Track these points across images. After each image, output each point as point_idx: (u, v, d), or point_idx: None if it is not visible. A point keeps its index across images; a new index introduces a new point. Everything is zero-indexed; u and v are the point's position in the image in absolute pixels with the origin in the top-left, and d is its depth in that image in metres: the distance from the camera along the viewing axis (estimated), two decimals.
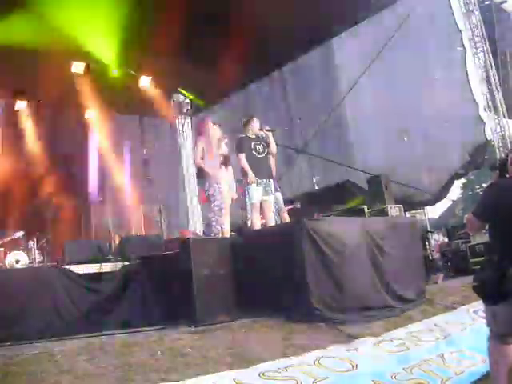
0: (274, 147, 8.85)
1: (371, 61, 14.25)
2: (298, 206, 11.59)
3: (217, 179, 7.85)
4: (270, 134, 8.84)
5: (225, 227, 8.26)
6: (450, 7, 13.73)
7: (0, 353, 4.78)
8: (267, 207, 8.51)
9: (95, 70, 15.80)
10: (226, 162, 8.67)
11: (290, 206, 11.02)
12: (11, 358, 4.54)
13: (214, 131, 8.36)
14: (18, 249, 10.92)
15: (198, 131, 8.10)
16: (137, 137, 19.26)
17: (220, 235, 7.75)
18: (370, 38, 14.71)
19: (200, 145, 7.89)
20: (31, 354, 4.65)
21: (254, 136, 8.75)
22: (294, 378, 4.25)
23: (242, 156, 8.40)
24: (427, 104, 14.00)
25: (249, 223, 8.60)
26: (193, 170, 19.18)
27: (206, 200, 7.97)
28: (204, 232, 8.08)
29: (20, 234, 10.99)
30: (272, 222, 8.56)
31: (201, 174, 7.90)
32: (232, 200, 8.82)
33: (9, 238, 10.95)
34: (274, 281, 6.43)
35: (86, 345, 4.91)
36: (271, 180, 8.59)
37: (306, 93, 16.54)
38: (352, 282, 6.54)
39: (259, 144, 8.69)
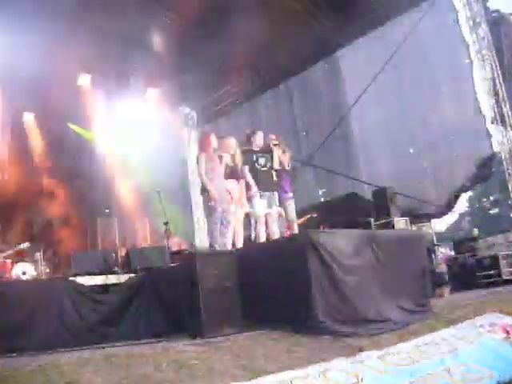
0: (276, 162, 8.85)
1: (377, 73, 14.25)
2: (314, 215, 11.65)
3: (219, 192, 7.87)
4: (276, 148, 8.84)
5: (236, 239, 8.28)
6: (457, 19, 13.75)
7: (6, 363, 4.78)
8: (271, 219, 8.53)
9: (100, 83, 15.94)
10: (235, 174, 8.62)
11: (308, 216, 11.13)
12: (17, 369, 4.55)
13: (220, 144, 8.37)
14: (24, 260, 10.97)
15: (200, 145, 8.14)
16: None
17: (224, 247, 7.75)
18: (376, 50, 14.75)
19: (202, 159, 7.93)
20: (37, 365, 4.64)
21: (257, 149, 8.77)
22: None
23: (245, 169, 8.44)
24: (434, 116, 14.01)
25: (253, 235, 8.60)
26: (198, 182, 19.23)
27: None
28: (210, 244, 8.06)
29: (25, 245, 11.03)
30: (276, 235, 8.56)
31: (202, 188, 7.94)
32: (245, 213, 8.76)
33: (15, 250, 11.00)
34: (279, 293, 6.43)
35: (91, 356, 4.90)
36: (275, 193, 8.59)
37: (312, 105, 16.59)
38: (357, 295, 6.52)
39: (262, 157, 8.72)
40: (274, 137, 9.17)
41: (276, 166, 8.92)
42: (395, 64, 14.20)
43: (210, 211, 7.82)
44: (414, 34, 13.75)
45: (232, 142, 8.50)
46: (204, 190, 7.92)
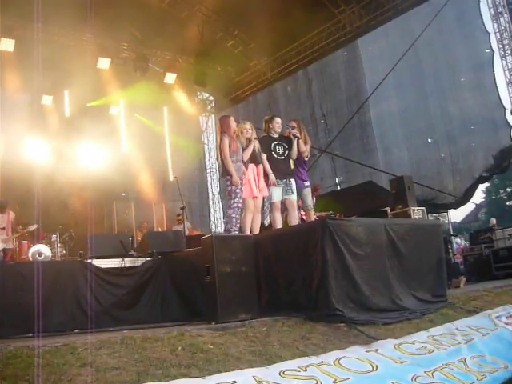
0: (295, 153, 8.78)
1: (397, 62, 14.13)
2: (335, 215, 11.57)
3: (239, 177, 7.80)
4: (295, 140, 8.76)
5: (252, 225, 8.24)
6: (479, 9, 13.57)
7: (22, 344, 4.81)
8: (291, 206, 8.46)
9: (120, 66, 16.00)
10: (253, 159, 8.53)
11: (327, 213, 11.06)
12: (33, 349, 4.57)
13: (239, 129, 8.31)
14: (41, 242, 11.07)
15: (222, 128, 8.02)
16: None
17: (240, 233, 7.72)
18: (397, 38, 14.64)
19: (225, 141, 7.81)
20: (53, 346, 4.67)
21: (276, 136, 8.70)
22: (314, 377, 4.22)
23: (264, 156, 8.39)
24: (453, 106, 13.89)
25: (266, 222, 8.55)
26: (216, 167, 19.28)
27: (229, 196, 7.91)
28: (224, 229, 8.03)
29: (34, 226, 11.13)
30: (296, 221, 8.52)
31: (224, 171, 7.84)
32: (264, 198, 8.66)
33: (25, 231, 11.11)
34: (295, 280, 6.43)
35: (107, 339, 4.92)
36: (291, 180, 8.53)
37: (330, 93, 16.53)
38: (373, 284, 6.51)
39: (280, 145, 8.63)
40: (295, 124, 9.01)
41: (294, 156, 8.85)
42: (415, 53, 14.10)
43: (230, 195, 7.74)
44: (435, 22, 13.59)
45: (248, 126, 8.41)
46: (225, 174, 7.83)
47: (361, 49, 15.71)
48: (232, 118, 8.12)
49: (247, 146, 8.20)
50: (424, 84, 14.51)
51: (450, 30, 13.96)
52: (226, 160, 7.71)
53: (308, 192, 9.04)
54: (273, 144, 8.54)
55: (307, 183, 9.09)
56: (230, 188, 7.66)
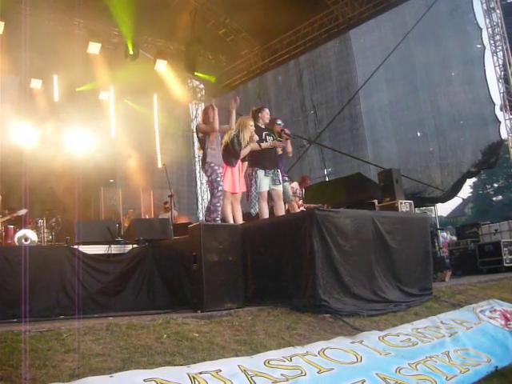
0: (290, 151, 8.92)
1: (388, 55, 14.14)
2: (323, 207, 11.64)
3: (219, 164, 7.81)
4: (289, 141, 8.89)
5: (236, 215, 8.25)
6: (472, 4, 13.59)
7: (7, 329, 4.78)
8: (277, 196, 8.50)
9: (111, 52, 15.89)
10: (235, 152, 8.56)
11: (315, 206, 11.12)
12: (18, 334, 4.54)
13: (242, 122, 8.30)
14: (27, 227, 10.98)
15: (207, 117, 7.98)
16: None
17: (221, 221, 7.72)
18: (389, 31, 14.65)
19: (202, 125, 7.88)
20: (38, 331, 4.65)
21: (263, 126, 8.72)
22: (298, 367, 4.23)
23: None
24: (443, 100, 13.93)
25: (253, 212, 8.54)
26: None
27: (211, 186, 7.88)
28: (205, 218, 8.02)
29: (23, 211, 11.04)
30: (282, 211, 8.54)
31: (204, 159, 7.83)
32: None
33: (14, 215, 11.01)
34: (282, 270, 6.44)
35: (92, 325, 4.90)
36: (278, 170, 8.56)
37: (321, 84, 16.52)
38: (359, 275, 6.55)
39: (269, 135, 8.66)
40: (281, 123, 9.12)
41: (290, 154, 9.03)
42: (407, 46, 14.12)
43: (212, 185, 7.73)
44: (428, 16, 13.60)
45: (251, 123, 8.40)
46: (204, 160, 7.83)
47: (353, 40, 15.70)
48: (215, 107, 8.09)
49: (247, 144, 8.23)
50: (415, 77, 14.53)
51: (443, 24, 13.96)
52: (212, 127, 7.76)
53: (288, 185, 9.18)
54: (264, 133, 8.55)
55: (287, 178, 9.23)
56: (210, 177, 7.68)
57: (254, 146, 8.29)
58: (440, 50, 14.06)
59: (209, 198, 8.47)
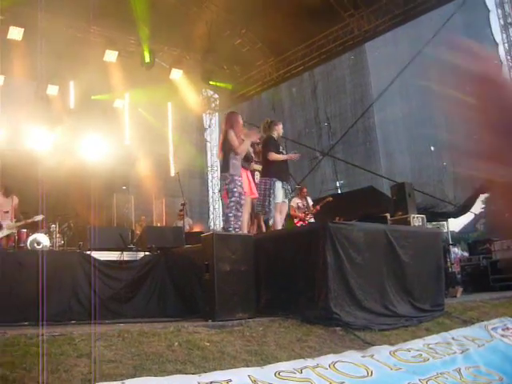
0: None
1: (403, 68, 14.13)
2: (330, 199, 11.72)
3: (239, 174, 7.76)
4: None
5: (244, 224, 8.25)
6: (488, 19, 13.55)
7: (20, 332, 4.81)
8: (284, 210, 8.57)
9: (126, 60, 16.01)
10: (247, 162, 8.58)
11: (325, 200, 11.25)
12: (31, 338, 4.57)
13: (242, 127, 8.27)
14: (39, 231, 11.04)
15: (230, 123, 7.89)
16: None
17: (239, 231, 7.69)
18: (405, 44, 14.63)
19: (233, 134, 7.70)
20: (51, 335, 4.68)
21: (278, 139, 8.78)
22: (309, 380, 4.23)
23: (273, 154, 8.42)
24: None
25: (270, 222, 8.57)
26: (217, 165, 19.30)
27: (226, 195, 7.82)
28: (223, 228, 8.01)
29: (40, 217, 11.09)
30: (280, 226, 8.56)
31: (225, 167, 7.74)
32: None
33: (29, 221, 11.06)
34: (293, 281, 6.43)
35: (104, 331, 4.92)
36: (288, 185, 8.65)
37: (335, 96, 16.53)
38: (370, 289, 6.52)
39: (284, 149, 8.73)
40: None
41: None
42: (422, 60, 14.06)
43: (227, 194, 7.66)
44: (444, 30, 13.56)
45: (256, 132, 8.43)
46: (225, 169, 7.76)
47: (368, 53, 15.71)
48: (239, 117, 8.08)
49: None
50: (429, 91, 14.47)
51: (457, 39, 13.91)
52: (235, 151, 7.61)
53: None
54: (280, 147, 8.63)
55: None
56: (228, 186, 7.54)
57: (249, 141, 8.15)
58: (455, 64, 14.00)
59: (220, 207, 8.44)
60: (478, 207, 14.59)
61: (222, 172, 7.89)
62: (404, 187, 11.20)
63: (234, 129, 7.72)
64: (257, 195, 8.39)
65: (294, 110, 17.88)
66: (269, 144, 8.58)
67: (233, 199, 7.60)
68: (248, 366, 4.39)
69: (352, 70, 16.24)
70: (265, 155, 8.61)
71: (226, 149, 7.66)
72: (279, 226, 8.24)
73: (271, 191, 8.32)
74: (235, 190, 7.58)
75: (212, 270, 6.00)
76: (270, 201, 8.32)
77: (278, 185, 8.31)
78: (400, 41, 14.97)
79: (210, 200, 20.09)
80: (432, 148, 14.65)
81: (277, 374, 4.19)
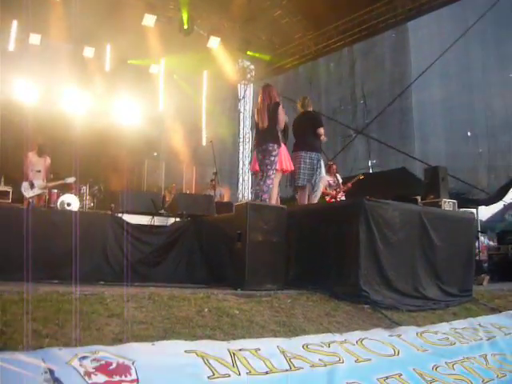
0: None
1: (446, 49, 13.84)
2: (362, 176, 11.70)
3: (279, 147, 7.74)
4: None
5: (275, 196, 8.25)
6: None
7: (52, 289, 4.88)
8: (324, 184, 8.70)
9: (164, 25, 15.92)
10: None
11: (356, 177, 11.24)
12: (63, 295, 4.63)
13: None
14: (70, 192, 11.18)
15: (274, 95, 7.82)
16: None
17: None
18: (448, 25, 14.31)
19: (281, 108, 7.70)
20: (82, 294, 4.74)
21: None
22: (336, 354, 4.23)
23: (322, 129, 8.55)
24: (497, 101, 13.60)
25: (318, 195, 8.63)
26: (249, 137, 19.27)
27: (258, 168, 7.77)
28: (259, 198, 7.97)
29: (72, 179, 11.22)
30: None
31: (272, 139, 7.63)
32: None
33: (60, 182, 11.18)
34: (324, 256, 6.41)
35: (135, 293, 4.97)
36: None
37: (373, 74, 16.29)
38: (400, 270, 6.49)
39: None
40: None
41: None
42: (466, 42, 13.77)
43: (271, 165, 7.56)
44: (490, 13, 13.23)
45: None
46: (271, 141, 7.58)
47: (410, 32, 15.40)
48: (275, 90, 8.04)
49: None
50: (470, 75, 14.19)
51: (506, 22, 13.55)
52: (280, 125, 7.65)
53: None
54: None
55: None
56: (273, 158, 7.53)
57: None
58: (499, 49, 13.70)
59: (250, 178, 8.40)
60: (508, 197, 14.38)
61: (267, 143, 7.63)
62: (438, 171, 11.05)
63: (278, 100, 7.75)
64: (291, 169, 8.36)
65: (330, 85, 17.68)
66: (320, 119, 8.75)
67: (275, 171, 7.61)
68: (276, 337, 4.41)
69: (392, 48, 15.94)
70: (312, 129, 8.63)
71: (274, 121, 7.62)
72: (316, 200, 8.30)
73: (319, 165, 8.39)
74: (277, 162, 7.62)
75: (244, 239, 6.00)
76: (317, 175, 8.37)
77: (322, 161, 8.41)
78: (444, 22, 14.64)
79: (240, 171, 20.08)
80: (469, 133, 14.40)
81: (305, 347, 4.20)
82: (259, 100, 7.86)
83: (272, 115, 7.63)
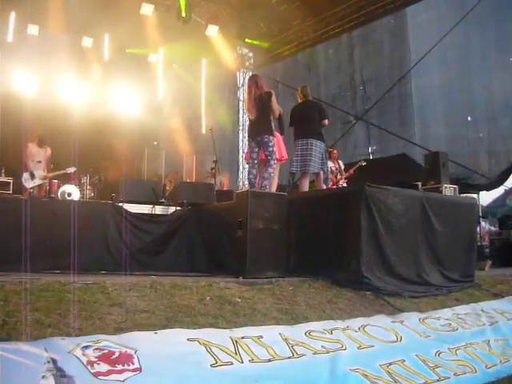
0: None
1: (445, 34, 13.76)
2: (364, 163, 11.70)
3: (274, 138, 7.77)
4: None
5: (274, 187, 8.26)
6: None
7: (54, 279, 4.88)
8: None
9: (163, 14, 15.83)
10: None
11: (357, 165, 11.24)
12: (65, 284, 4.64)
13: None
14: (71, 182, 11.16)
15: (263, 85, 7.83)
16: None
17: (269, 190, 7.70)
18: (447, 10, 14.21)
19: (274, 98, 7.73)
20: (84, 283, 4.74)
21: None
22: (339, 341, 4.24)
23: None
24: (497, 85, 13.53)
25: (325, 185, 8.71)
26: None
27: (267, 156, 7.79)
28: (261, 186, 7.98)
29: (72, 169, 11.20)
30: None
31: (268, 130, 7.66)
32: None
33: (61, 172, 11.17)
34: (325, 243, 6.41)
35: (136, 282, 4.98)
36: None
37: (372, 60, 16.21)
38: (402, 256, 6.49)
39: None
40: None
41: None
42: (465, 27, 13.68)
43: (271, 156, 7.58)
44: None
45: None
46: (269, 132, 7.64)
47: (409, 18, 15.30)
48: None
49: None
50: (470, 60, 14.12)
51: (505, 7, 13.47)
52: (274, 115, 7.67)
53: None
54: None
55: None
56: (271, 149, 7.57)
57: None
58: (499, 33, 13.63)
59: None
60: (510, 182, 14.33)
61: (262, 135, 7.65)
62: (438, 156, 11.00)
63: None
64: (286, 158, 8.46)
65: (329, 72, 17.60)
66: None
67: (276, 160, 7.63)
68: (278, 324, 4.42)
69: (391, 34, 15.84)
70: (319, 119, 8.66)
71: (268, 112, 7.65)
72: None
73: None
74: (276, 151, 7.64)
75: (245, 227, 5.99)
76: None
77: None
78: (442, 6, 14.55)
79: (240, 159, 20.04)
80: (469, 118, 14.34)
81: (307, 334, 4.21)
82: (246, 91, 7.87)
83: (265, 105, 7.65)
